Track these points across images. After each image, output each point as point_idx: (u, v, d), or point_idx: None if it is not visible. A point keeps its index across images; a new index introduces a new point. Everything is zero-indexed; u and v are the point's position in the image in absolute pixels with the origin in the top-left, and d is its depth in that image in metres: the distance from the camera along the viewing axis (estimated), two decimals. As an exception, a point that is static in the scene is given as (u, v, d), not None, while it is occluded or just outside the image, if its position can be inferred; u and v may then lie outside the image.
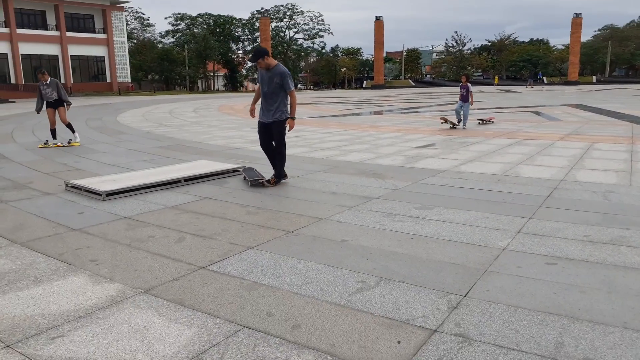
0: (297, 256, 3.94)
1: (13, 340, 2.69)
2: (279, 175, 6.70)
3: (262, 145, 6.79)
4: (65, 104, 11.11)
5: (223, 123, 16.88)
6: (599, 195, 5.83)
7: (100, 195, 5.87)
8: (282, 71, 6.33)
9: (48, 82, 10.88)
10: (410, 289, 3.30)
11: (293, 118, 6.52)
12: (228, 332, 2.76)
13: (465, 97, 14.05)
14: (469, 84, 14.13)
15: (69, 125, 11.29)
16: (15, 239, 4.46)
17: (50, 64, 48.13)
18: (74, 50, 49.57)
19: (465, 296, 3.20)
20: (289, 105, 6.52)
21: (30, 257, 3.98)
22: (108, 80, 52.51)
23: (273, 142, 6.64)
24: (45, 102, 11.02)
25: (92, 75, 52.10)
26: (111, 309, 3.05)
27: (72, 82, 47.77)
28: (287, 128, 6.52)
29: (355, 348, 2.59)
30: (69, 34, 49.06)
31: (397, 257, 3.89)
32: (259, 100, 6.66)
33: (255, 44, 72.99)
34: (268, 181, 6.60)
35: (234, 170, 7.46)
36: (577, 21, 62.26)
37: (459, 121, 14.19)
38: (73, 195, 6.14)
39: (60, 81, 10.64)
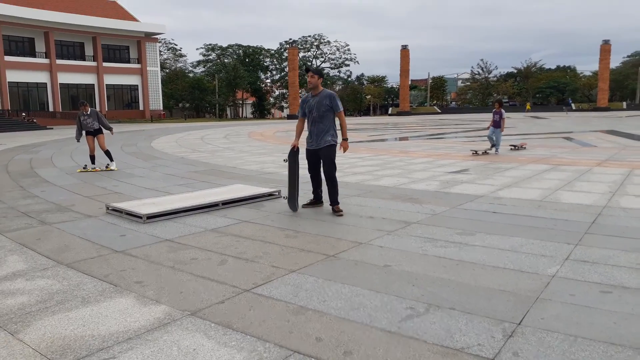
0: (341, 281, 3.89)
1: (66, 360, 2.70)
2: (336, 201, 6.45)
3: (310, 172, 6.68)
4: (108, 130, 11.62)
5: (254, 149, 17.07)
6: (648, 222, 5.63)
7: (141, 217, 5.95)
8: (330, 93, 6.34)
9: (89, 113, 11.40)
10: (461, 317, 3.21)
11: (346, 139, 6.47)
12: (279, 357, 2.71)
13: (497, 123, 14.10)
14: (502, 110, 14.17)
15: (107, 152, 11.64)
16: (61, 260, 4.54)
17: (87, 92, 49.93)
18: (110, 79, 51.35)
19: (519, 324, 3.09)
20: (338, 130, 6.45)
21: (76, 278, 4.03)
22: (141, 107, 54.04)
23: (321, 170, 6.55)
24: (85, 131, 11.47)
25: (125, 103, 53.73)
26: (159, 331, 3.05)
27: (106, 109, 49.31)
28: (342, 150, 6.47)
29: (410, 376, 2.51)
30: (105, 64, 50.93)
31: (444, 284, 3.80)
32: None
33: (282, 73, 74.32)
34: (334, 211, 6.36)
35: (270, 194, 7.49)
36: (605, 48, 61.63)
37: (492, 146, 14.13)
38: (114, 218, 6.24)
39: (97, 108, 11.12)
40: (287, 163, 6.75)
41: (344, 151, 6.50)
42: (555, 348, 2.78)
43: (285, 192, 7.07)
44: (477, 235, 5.18)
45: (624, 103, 67.80)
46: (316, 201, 6.83)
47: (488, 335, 2.95)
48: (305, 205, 6.74)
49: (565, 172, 9.89)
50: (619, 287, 3.68)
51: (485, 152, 13.83)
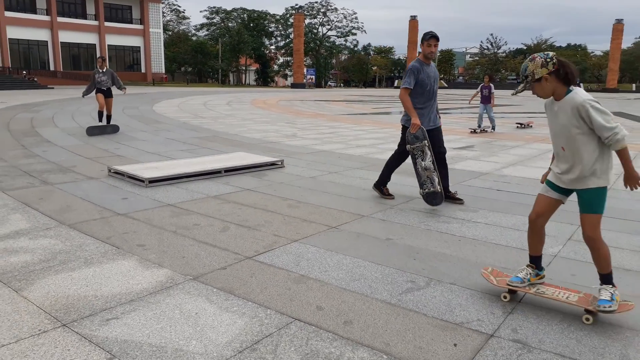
0: (343, 252, 3.90)
1: (68, 319, 2.72)
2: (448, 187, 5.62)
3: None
4: (121, 90, 11.55)
5: (257, 117, 16.96)
6: (651, 206, 5.62)
7: (143, 181, 5.94)
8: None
9: (104, 71, 11.26)
10: (462, 292, 3.22)
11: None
12: (280, 324, 2.73)
13: (487, 99, 13.14)
14: (491, 85, 13.23)
15: (109, 117, 11.58)
16: (63, 220, 4.54)
17: (88, 52, 49.34)
18: (111, 40, 50.65)
19: (519, 302, 3.11)
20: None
21: (79, 239, 4.04)
22: (143, 70, 53.47)
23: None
24: (97, 88, 11.33)
25: (127, 65, 53.13)
26: (162, 294, 3.07)
27: (108, 71, 48.75)
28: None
29: (410, 348, 2.54)
30: (107, 23, 50.16)
31: (446, 259, 3.81)
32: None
33: (287, 40, 73.24)
34: (456, 199, 5.57)
35: (272, 164, 7.46)
36: (618, 27, 60.55)
37: (479, 126, 13.28)
38: (116, 181, 6.23)
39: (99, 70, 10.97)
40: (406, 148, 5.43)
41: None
42: (554, 326, 2.80)
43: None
44: (480, 212, 5.18)
45: (634, 85, 67.06)
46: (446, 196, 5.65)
47: (488, 311, 2.97)
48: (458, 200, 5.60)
49: (570, 152, 9.82)
50: (620, 269, 3.69)
51: (483, 130, 13.14)
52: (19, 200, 5.18)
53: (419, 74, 5.24)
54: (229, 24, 72.23)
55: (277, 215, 4.90)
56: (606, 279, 2.95)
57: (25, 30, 44.97)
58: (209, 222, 4.61)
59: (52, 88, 35.08)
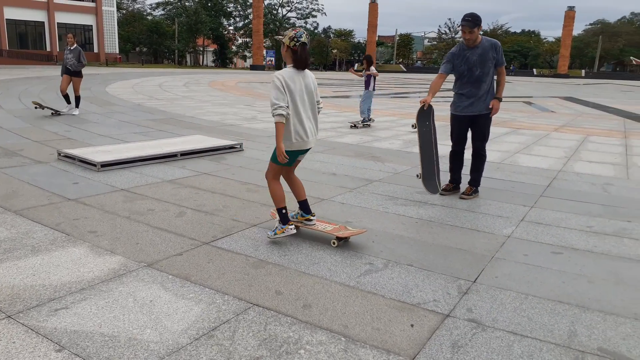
0: (302, 236, 3.88)
1: (14, 310, 2.59)
2: (478, 182, 5.28)
3: (457, 145, 5.32)
4: (72, 67, 10.80)
5: (215, 99, 16.62)
6: (598, 187, 5.85)
7: (95, 165, 5.72)
8: (495, 42, 4.95)
9: (71, 48, 10.71)
10: (419, 273, 3.27)
11: (500, 99, 5.06)
12: (238, 310, 2.69)
13: (367, 84, 10.69)
14: (373, 68, 10.73)
15: (78, 98, 11.02)
16: (8, 206, 4.32)
17: (36, 30, 46.96)
18: (61, 17, 48.30)
19: (474, 282, 3.17)
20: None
21: (26, 226, 3.85)
22: (95, 50, 51.40)
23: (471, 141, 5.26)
24: (65, 68, 10.80)
25: (79, 45, 50.89)
26: (115, 282, 2.97)
27: (57, 50, 46.62)
28: (492, 112, 5.08)
29: (368, 330, 2.55)
30: (56, 0, 47.74)
31: (403, 241, 3.85)
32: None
33: (247, 21, 71.88)
34: (464, 192, 5.24)
35: (231, 147, 7.33)
36: (570, 14, 62.42)
37: (364, 120, 10.69)
38: (66, 165, 5.98)
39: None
40: (414, 129, 5.25)
41: (494, 113, 5.08)
42: (507, 305, 2.87)
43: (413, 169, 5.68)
44: (436, 194, 5.25)
45: (583, 71, 69.55)
46: (454, 186, 5.38)
47: (444, 291, 3.02)
48: (443, 192, 5.28)
49: (524, 135, 10.12)
50: (569, 248, 3.82)
51: (365, 125, 10.61)
52: (-41, 186, 4.89)
53: (455, 59, 4.99)
54: (186, 4, 70.13)
55: (235, 199, 4.83)
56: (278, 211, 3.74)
57: (-34, 5, 42.36)
58: (165, 207, 4.49)
59: (-3, 67, 33.26)
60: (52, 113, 10.61)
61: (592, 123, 13.25)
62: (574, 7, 62.03)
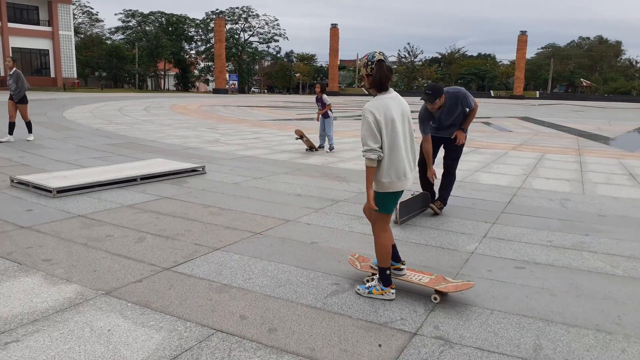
0: (267, 258, 3.82)
1: (-42, 346, 2.42)
2: (446, 200, 5.47)
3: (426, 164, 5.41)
4: (13, 94, 10.27)
5: (176, 122, 16.41)
6: (556, 203, 6.02)
7: (50, 191, 5.51)
8: (458, 94, 5.12)
9: (11, 73, 10.23)
10: (385, 292, 3.24)
11: (464, 130, 5.29)
12: (200, 336, 2.60)
13: (325, 113, 10.31)
14: (324, 96, 10.31)
15: (28, 124, 10.54)
16: (-45, 236, 4.09)
17: (-11, 55, 45.47)
18: (16, 42, 46.99)
19: (440, 299, 3.17)
20: None
21: (-26, 256, 3.65)
22: (52, 75, 50.11)
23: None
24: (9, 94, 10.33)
25: (35, 69, 49.51)
26: (70, 312, 2.82)
27: (12, 75, 45.21)
28: (457, 141, 5.31)
29: (336, 352, 2.50)
30: (10, 24, 46.48)
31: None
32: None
33: (209, 45, 71.86)
34: (434, 204, 5.36)
35: (193, 170, 7.21)
36: (522, 38, 65.05)
37: (320, 146, 10.45)
38: (19, 192, 5.74)
39: (1, 74, 9.85)
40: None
41: (459, 142, 5.29)
42: (473, 321, 2.88)
43: None
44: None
45: (537, 92, 72.36)
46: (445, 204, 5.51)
47: (411, 309, 3.01)
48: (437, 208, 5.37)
49: (484, 154, 10.38)
50: (531, 262, 3.89)
51: (311, 149, 10.23)
52: None
53: (429, 119, 5.17)
54: (147, 28, 69.65)
55: (197, 223, 4.72)
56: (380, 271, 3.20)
57: None
58: (123, 232, 4.34)
59: (-53, 93, 31.95)
60: None
61: (548, 141, 13.73)
62: (526, 31, 64.71)
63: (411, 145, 3.17)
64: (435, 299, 3.12)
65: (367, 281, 3.33)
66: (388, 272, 3.16)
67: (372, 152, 2.99)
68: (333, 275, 3.50)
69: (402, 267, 3.35)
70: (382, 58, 3.03)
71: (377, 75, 3.02)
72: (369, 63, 3.03)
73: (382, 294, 3.13)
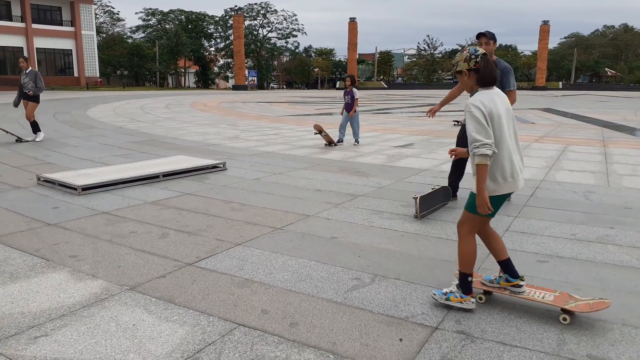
0: (288, 253, 3.84)
1: (-9, 340, 2.50)
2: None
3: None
4: (32, 91, 10.40)
5: (197, 119, 16.58)
6: (580, 195, 5.92)
7: (75, 189, 5.63)
8: (508, 70, 5.21)
9: (27, 72, 10.38)
10: (406, 286, 3.25)
11: None
12: (223, 331, 2.64)
13: (349, 106, 10.40)
14: (354, 89, 10.50)
15: (34, 124, 10.53)
16: (-14, 233, 4.22)
17: (14, 56, 46.47)
18: (40, 42, 48.02)
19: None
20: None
21: (3, 253, 3.76)
22: (75, 74, 51.07)
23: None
24: (23, 93, 10.43)
25: (58, 69, 50.56)
26: (96, 307, 2.89)
27: (37, 75, 46.16)
28: None
29: (357, 346, 2.51)
30: (34, 25, 47.49)
31: (389, 254, 3.83)
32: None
33: (228, 42, 72.25)
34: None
35: (214, 167, 7.28)
36: (545, 28, 63.83)
37: (339, 141, 10.41)
38: (46, 190, 5.88)
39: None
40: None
41: None
42: (495, 315, 2.86)
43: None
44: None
45: (560, 83, 71.03)
46: (454, 195, 5.60)
47: (432, 304, 3.00)
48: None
49: (505, 147, 10.22)
50: (554, 256, 3.84)
51: (330, 144, 10.29)
52: None
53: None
54: (166, 26, 70.36)
55: (219, 219, 4.78)
56: (461, 276, 2.95)
57: (-57, 32, 41.88)
58: (147, 229, 4.42)
59: (-25, 94, 32.81)
60: (16, 140, 10.27)
61: (572, 133, 13.48)
62: (548, 21, 63.52)
63: (517, 144, 2.92)
64: (564, 319, 2.76)
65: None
66: (470, 278, 2.91)
67: (485, 146, 2.66)
68: (353, 270, 3.51)
69: (522, 283, 2.98)
70: (485, 52, 2.85)
71: (487, 70, 2.80)
72: (472, 57, 2.82)
73: (460, 302, 2.90)
